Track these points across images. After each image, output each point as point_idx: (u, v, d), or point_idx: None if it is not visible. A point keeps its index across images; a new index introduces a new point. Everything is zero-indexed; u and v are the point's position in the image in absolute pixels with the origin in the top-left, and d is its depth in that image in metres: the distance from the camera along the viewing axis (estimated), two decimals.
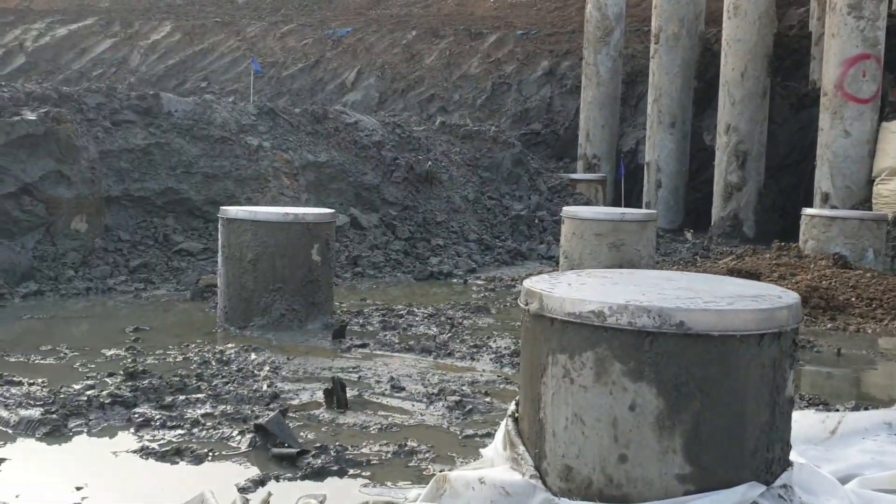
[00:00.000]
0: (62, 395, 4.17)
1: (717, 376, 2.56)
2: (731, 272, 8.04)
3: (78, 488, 3.16)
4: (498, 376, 4.96)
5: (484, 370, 5.09)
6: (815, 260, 8.75)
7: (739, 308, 2.60)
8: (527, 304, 2.80)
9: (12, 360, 5.02)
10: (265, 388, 4.51)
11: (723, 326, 2.55)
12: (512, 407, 2.99)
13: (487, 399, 4.44)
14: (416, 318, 6.61)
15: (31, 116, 8.07)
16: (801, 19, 16.91)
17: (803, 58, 15.85)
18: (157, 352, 5.31)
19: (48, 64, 22.27)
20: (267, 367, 4.94)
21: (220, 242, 6.26)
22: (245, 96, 16.58)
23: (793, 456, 2.83)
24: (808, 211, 9.94)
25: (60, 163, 8.05)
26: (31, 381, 4.45)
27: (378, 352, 5.52)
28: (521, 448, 2.80)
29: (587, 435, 2.61)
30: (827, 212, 10.04)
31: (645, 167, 15.59)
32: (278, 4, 24.51)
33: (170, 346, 5.45)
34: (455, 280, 8.86)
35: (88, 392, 4.22)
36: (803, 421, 3.58)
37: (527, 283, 2.87)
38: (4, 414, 3.91)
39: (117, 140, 8.93)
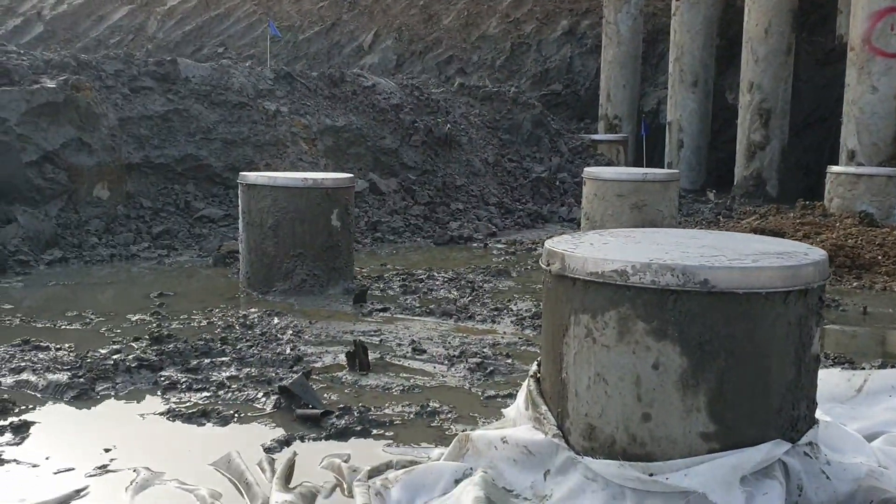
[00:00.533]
0: (89, 360, 4.23)
1: (742, 334, 2.53)
2: (755, 232, 7.96)
3: (106, 450, 3.22)
4: (519, 338, 4.96)
5: (505, 332, 5.09)
6: (840, 218, 8.63)
7: (764, 265, 2.56)
8: (548, 265, 2.77)
9: (39, 325, 5.10)
10: (288, 351, 4.54)
11: (748, 284, 2.51)
12: (534, 367, 2.98)
13: (509, 360, 4.45)
14: (437, 283, 6.62)
15: (51, 84, 8.09)
16: None
17: (830, 12, 15.49)
18: (181, 317, 5.36)
19: (66, 32, 22.29)
20: (290, 331, 4.98)
21: (240, 208, 6.28)
22: (262, 61, 16.53)
23: (818, 414, 2.81)
24: (833, 169, 9.78)
25: (81, 130, 8.08)
26: (58, 346, 4.52)
27: (399, 315, 5.54)
28: (544, 408, 2.79)
29: (610, 394, 2.60)
30: (853, 169, 9.87)
31: (667, 127, 15.40)
32: None
33: (194, 311, 5.50)
34: (475, 244, 8.84)
35: (115, 356, 4.28)
36: (829, 379, 3.55)
37: (548, 243, 2.85)
38: (33, 378, 3.97)
39: (136, 107, 8.94)
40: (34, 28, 22.86)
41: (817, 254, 2.75)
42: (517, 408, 2.97)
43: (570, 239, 2.95)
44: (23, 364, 4.17)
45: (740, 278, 2.52)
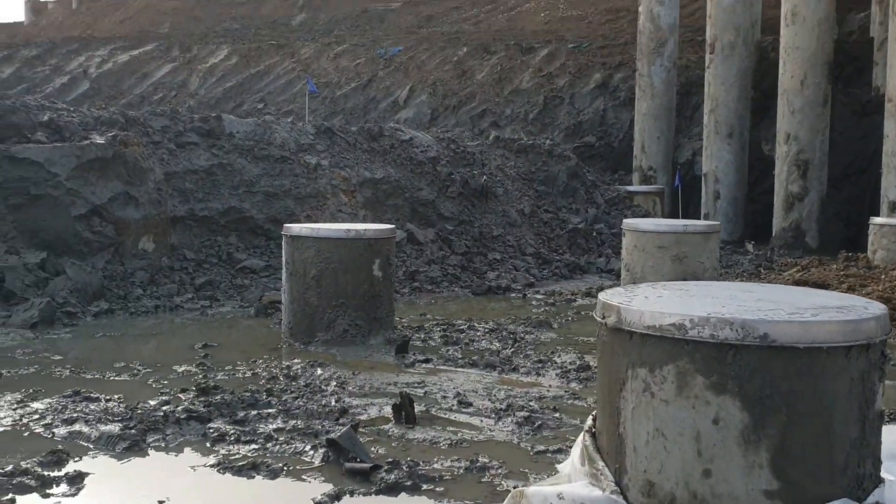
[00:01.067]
0: (139, 411, 4.27)
1: (804, 389, 2.50)
2: (798, 284, 7.85)
3: (160, 502, 3.23)
4: (565, 392, 4.91)
5: (550, 385, 5.06)
6: (885, 270, 8.49)
7: (825, 319, 2.53)
8: (604, 318, 2.77)
9: (88, 376, 5.17)
10: (333, 403, 4.55)
11: (808, 338, 2.49)
12: (589, 422, 2.95)
13: (556, 414, 4.41)
14: (478, 333, 6.61)
15: (100, 140, 8.33)
16: (861, 25, 16.53)
17: (865, 64, 15.49)
18: (226, 367, 5.41)
19: (111, 89, 23.02)
20: (334, 383, 4.99)
21: (284, 259, 6.36)
22: (301, 116, 16.89)
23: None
24: (876, 220, 9.67)
25: (128, 185, 8.28)
26: (108, 398, 4.57)
27: (442, 367, 5.53)
28: (601, 463, 2.76)
29: (669, 449, 2.57)
30: None
31: (702, 178, 15.38)
32: (331, 26, 24.93)
33: (238, 362, 5.54)
34: (513, 294, 8.83)
35: (164, 408, 4.32)
36: (888, 436, 3.46)
37: (602, 296, 2.85)
38: (85, 429, 4.02)
39: (182, 161, 9.16)
40: (80, 86, 23.67)
41: (877, 308, 2.72)
42: (572, 463, 2.94)
43: (624, 292, 2.95)
44: (75, 415, 4.23)
45: (800, 332, 2.49)
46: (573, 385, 5.07)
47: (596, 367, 5.31)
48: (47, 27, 31.42)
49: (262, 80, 22.28)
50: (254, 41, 24.10)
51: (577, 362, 5.55)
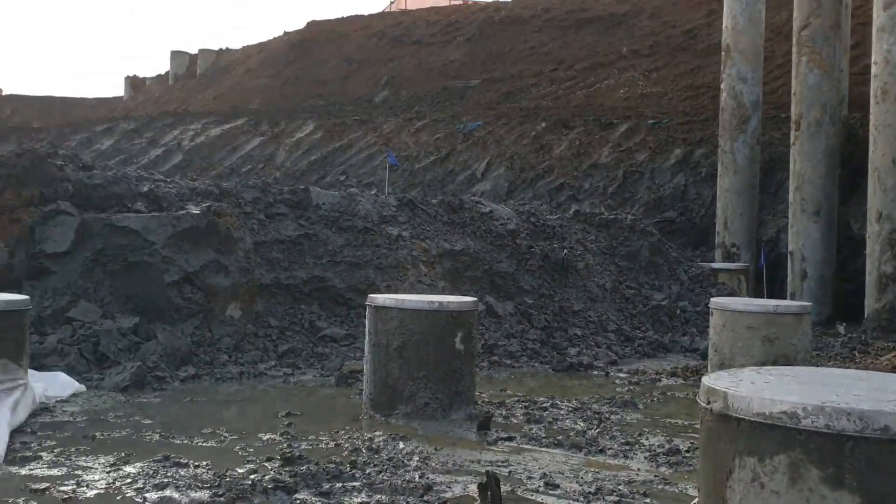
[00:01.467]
0: (227, 479, 4.30)
1: None
2: None
3: None
4: (655, 476, 4.74)
5: (639, 469, 4.88)
6: None
7: None
8: (709, 403, 2.68)
9: (177, 441, 5.26)
10: (417, 478, 4.49)
11: None
12: None
13: (647, 500, 4.24)
14: (561, 412, 6.47)
15: (195, 210, 8.68)
16: None
17: None
18: (309, 437, 5.42)
19: (202, 161, 24.09)
20: (416, 458, 4.94)
21: (367, 329, 6.40)
22: (381, 188, 17.28)
23: None
24: None
25: (219, 253, 8.56)
26: (197, 464, 4.63)
27: (526, 446, 5.41)
28: None
29: None
30: None
31: (788, 256, 14.96)
32: (412, 102, 25.65)
33: (321, 432, 5.56)
34: (596, 372, 8.65)
35: (252, 476, 4.34)
36: None
37: (707, 380, 2.76)
38: (176, 495, 4.07)
39: (271, 231, 9.45)
40: (174, 157, 24.86)
41: None
42: None
43: (728, 377, 2.85)
44: (166, 480, 4.29)
45: None
46: (663, 469, 4.89)
47: (686, 452, 5.14)
48: (145, 102, 33.34)
49: (346, 153, 22.98)
50: (338, 117, 24.97)
51: (666, 445, 5.36)
